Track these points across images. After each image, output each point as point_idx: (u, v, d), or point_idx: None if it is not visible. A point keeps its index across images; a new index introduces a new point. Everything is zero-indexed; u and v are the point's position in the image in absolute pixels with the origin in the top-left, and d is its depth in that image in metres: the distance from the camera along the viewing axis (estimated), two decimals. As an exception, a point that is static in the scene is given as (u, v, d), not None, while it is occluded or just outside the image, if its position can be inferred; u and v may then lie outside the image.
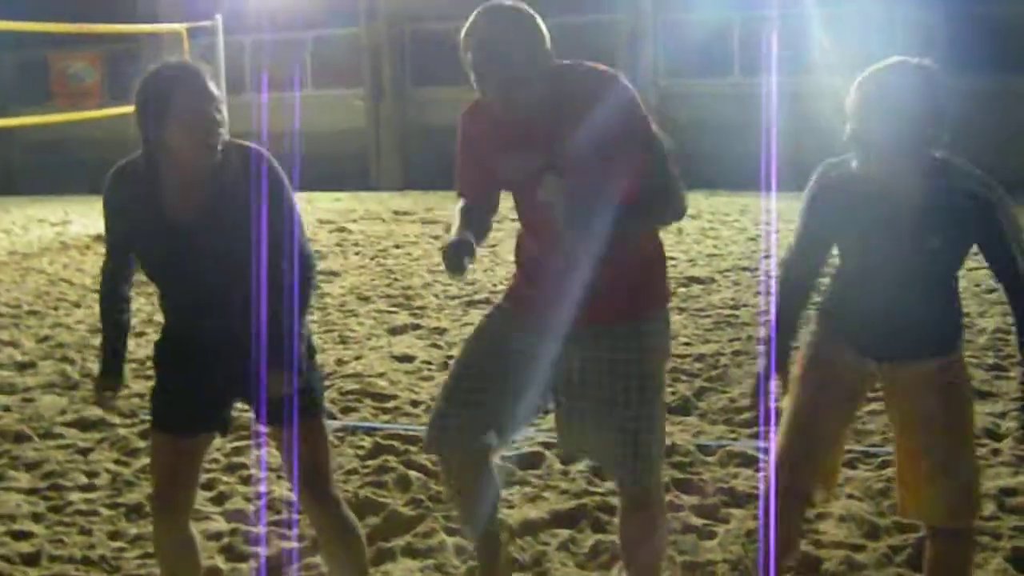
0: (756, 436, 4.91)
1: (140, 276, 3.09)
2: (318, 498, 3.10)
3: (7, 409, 5.75)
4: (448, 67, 16.96)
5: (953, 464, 2.96)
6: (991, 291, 7.52)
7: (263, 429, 3.16)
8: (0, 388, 6.18)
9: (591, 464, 4.45)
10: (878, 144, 2.81)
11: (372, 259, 10.57)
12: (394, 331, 7.45)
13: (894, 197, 2.87)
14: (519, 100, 2.83)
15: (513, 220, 3.13)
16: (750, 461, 4.66)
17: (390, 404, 5.68)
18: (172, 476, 3.08)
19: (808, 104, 12.43)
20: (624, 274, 2.94)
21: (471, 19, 2.85)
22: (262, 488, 4.47)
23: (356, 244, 11.58)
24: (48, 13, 13.63)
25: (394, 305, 8.34)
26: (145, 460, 4.59)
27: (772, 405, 3.12)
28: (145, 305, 6.77)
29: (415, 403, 5.69)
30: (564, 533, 4.04)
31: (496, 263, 9.54)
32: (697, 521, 4.12)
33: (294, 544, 3.94)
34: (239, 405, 3.14)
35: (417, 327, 7.55)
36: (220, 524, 4.18)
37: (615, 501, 3.44)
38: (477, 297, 8.40)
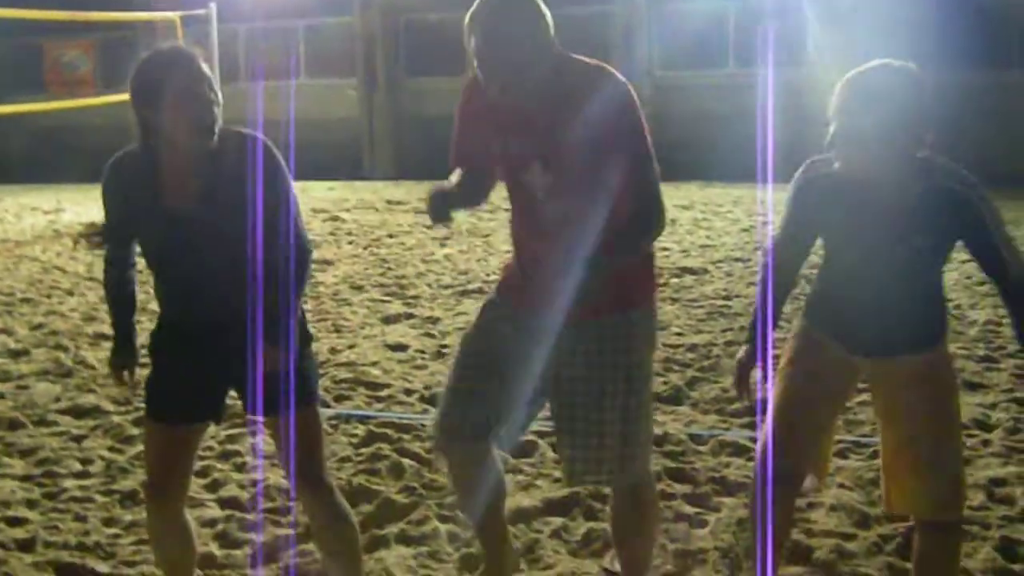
0: (748, 426, 4.95)
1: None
2: (312, 485, 3.10)
3: (1, 396, 5.76)
4: (442, 57, 17.19)
5: (939, 457, 2.96)
6: (981, 283, 7.56)
7: (259, 418, 3.17)
8: (-6, 376, 6.19)
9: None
10: (861, 144, 2.82)
11: (365, 248, 10.58)
12: (387, 320, 7.47)
13: (877, 196, 2.87)
14: (519, 87, 2.84)
15: (507, 210, 3.15)
16: (742, 450, 4.69)
17: (383, 393, 5.70)
18: (166, 464, 3.09)
19: (802, 96, 12.43)
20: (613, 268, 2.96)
21: (475, 4, 2.85)
22: (257, 475, 4.49)
23: (349, 233, 11.59)
24: (43, 1, 13.59)
25: (387, 294, 8.36)
26: (139, 447, 4.60)
27: (759, 396, 3.12)
28: (139, 294, 6.75)
29: (408, 392, 5.71)
30: (557, 521, 4.06)
31: (489, 253, 9.55)
32: (689, 509, 4.14)
33: (288, 531, 3.96)
34: (233, 393, 3.15)
35: (410, 316, 7.57)
36: (215, 511, 4.20)
37: (607, 490, 3.46)
38: (470, 286, 8.42)
